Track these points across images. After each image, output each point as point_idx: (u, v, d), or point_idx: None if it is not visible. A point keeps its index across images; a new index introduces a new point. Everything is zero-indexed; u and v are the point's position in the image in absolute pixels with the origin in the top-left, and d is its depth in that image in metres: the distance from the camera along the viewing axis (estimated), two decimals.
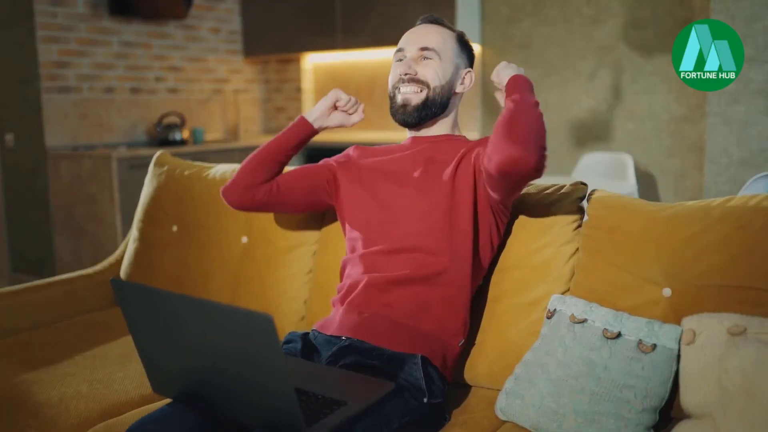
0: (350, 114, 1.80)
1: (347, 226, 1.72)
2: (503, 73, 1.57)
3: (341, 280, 1.72)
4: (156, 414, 1.35)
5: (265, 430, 1.21)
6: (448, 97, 1.68)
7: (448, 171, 1.62)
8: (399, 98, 1.67)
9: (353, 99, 1.78)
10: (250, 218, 2.15)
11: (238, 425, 1.29)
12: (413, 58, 1.66)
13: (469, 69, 1.72)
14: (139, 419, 1.34)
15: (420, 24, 1.72)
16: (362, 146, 1.83)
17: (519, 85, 1.51)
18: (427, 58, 1.65)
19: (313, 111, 1.78)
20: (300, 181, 1.80)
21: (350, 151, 1.83)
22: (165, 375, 1.34)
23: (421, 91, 1.65)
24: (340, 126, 1.79)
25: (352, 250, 1.70)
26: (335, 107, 1.78)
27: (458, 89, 1.69)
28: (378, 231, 1.64)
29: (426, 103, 1.65)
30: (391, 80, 1.70)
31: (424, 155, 1.67)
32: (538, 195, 1.76)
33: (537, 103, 1.48)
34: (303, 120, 1.78)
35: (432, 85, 1.65)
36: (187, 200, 2.28)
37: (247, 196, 1.79)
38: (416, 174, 1.65)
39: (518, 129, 1.40)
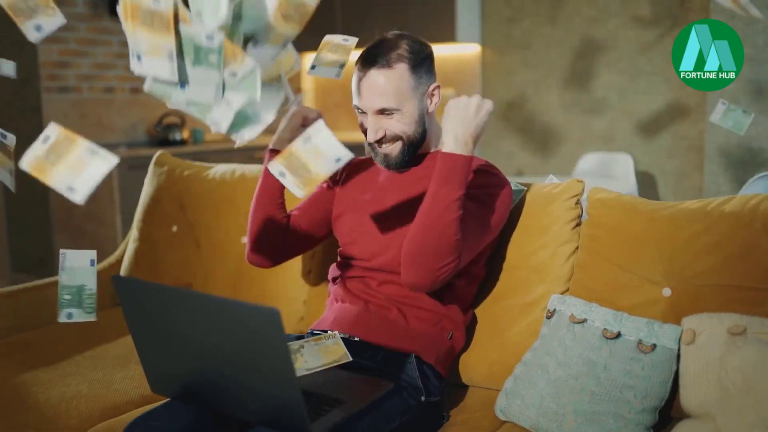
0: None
1: (338, 234, 1.73)
2: (449, 129, 1.43)
3: (330, 281, 1.75)
4: (155, 410, 1.35)
5: (267, 426, 1.21)
6: (423, 126, 1.59)
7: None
8: (379, 154, 1.60)
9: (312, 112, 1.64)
10: None
11: (239, 421, 1.29)
12: (375, 119, 1.55)
13: (435, 85, 1.58)
14: (139, 416, 1.35)
15: (365, 70, 1.53)
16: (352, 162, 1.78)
17: (447, 173, 1.39)
18: (388, 114, 1.54)
19: (275, 141, 1.64)
20: (316, 216, 1.74)
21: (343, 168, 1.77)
22: (165, 374, 1.34)
23: (396, 141, 1.58)
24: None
25: (341, 256, 1.72)
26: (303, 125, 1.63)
27: (431, 109, 1.60)
28: (363, 239, 1.65)
29: (406, 149, 1.58)
30: (361, 127, 1.61)
31: (411, 180, 1.64)
32: (536, 194, 1.76)
33: (458, 200, 1.38)
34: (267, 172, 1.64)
35: (405, 135, 1.57)
36: (188, 200, 2.28)
37: (278, 257, 1.74)
38: (401, 196, 1.64)
39: (418, 251, 1.40)
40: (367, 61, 1.53)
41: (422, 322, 1.58)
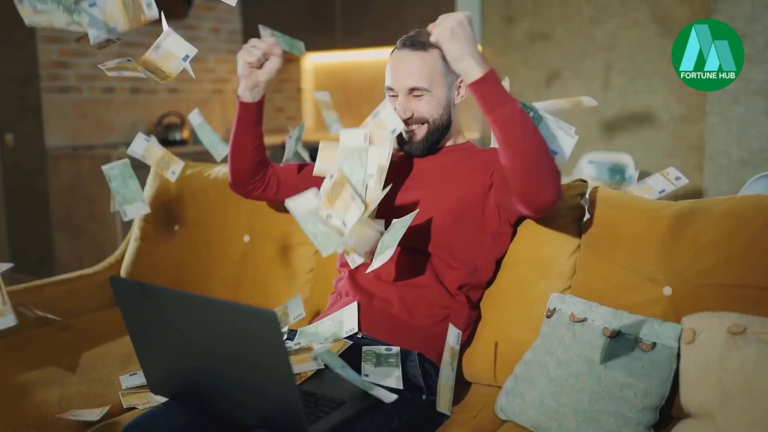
0: (266, 63, 1.68)
1: None
2: (454, 50, 1.39)
3: (339, 272, 1.75)
4: (152, 412, 1.35)
5: (265, 428, 1.21)
6: (449, 114, 1.67)
7: (456, 183, 1.64)
8: (403, 132, 1.65)
9: (258, 49, 1.65)
10: (251, 217, 2.15)
11: (237, 423, 1.29)
12: (405, 99, 1.62)
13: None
14: (135, 417, 1.35)
15: (401, 50, 1.63)
16: None
17: (494, 92, 1.41)
18: (417, 96, 1.61)
19: (241, 88, 1.71)
20: (309, 179, 1.77)
21: None
22: (163, 374, 1.34)
23: (422, 124, 1.65)
24: (270, 78, 1.70)
25: None
26: (253, 67, 1.68)
27: (456, 101, 1.68)
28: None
29: (430, 135, 1.66)
30: None
31: (433, 172, 1.68)
32: None
33: (516, 107, 1.40)
34: (241, 104, 1.74)
35: (432, 118, 1.64)
36: (189, 199, 2.29)
37: (249, 189, 1.84)
38: (422, 189, 1.66)
39: (529, 171, 1.41)
40: (403, 44, 1.62)
41: (426, 319, 1.58)
